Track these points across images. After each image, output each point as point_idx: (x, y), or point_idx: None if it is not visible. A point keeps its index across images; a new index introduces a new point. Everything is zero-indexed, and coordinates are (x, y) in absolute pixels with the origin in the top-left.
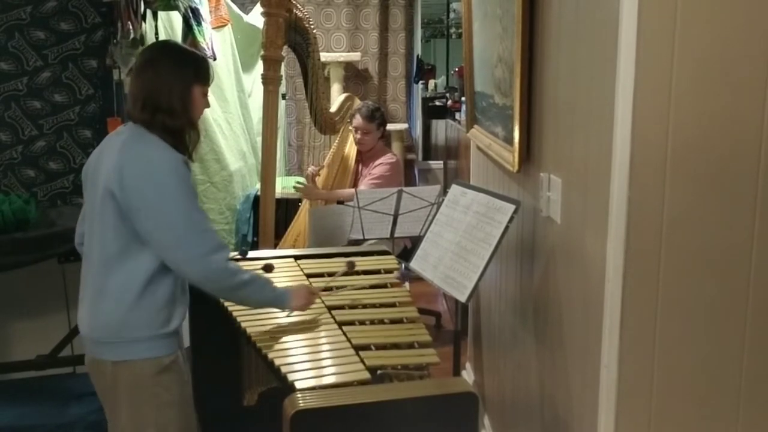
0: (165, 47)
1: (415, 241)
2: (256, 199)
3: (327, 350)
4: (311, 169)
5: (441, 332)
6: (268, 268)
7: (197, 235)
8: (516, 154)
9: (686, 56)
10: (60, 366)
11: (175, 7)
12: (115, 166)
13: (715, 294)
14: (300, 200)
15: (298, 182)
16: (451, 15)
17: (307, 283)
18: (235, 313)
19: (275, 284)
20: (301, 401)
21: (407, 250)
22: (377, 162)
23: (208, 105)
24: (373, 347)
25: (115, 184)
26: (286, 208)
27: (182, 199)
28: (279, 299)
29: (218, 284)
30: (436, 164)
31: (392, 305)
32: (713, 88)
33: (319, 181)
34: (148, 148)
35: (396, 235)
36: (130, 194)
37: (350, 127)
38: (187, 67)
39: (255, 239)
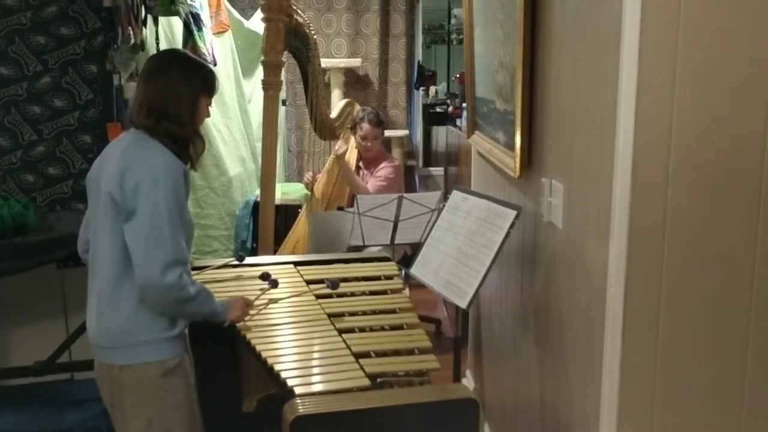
0: (176, 56)
1: (416, 248)
2: (256, 205)
3: (327, 357)
4: (308, 175)
5: (441, 339)
6: (265, 277)
7: (162, 243)
8: (517, 160)
9: (689, 61)
10: (58, 372)
11: (176, 13)
12: (117, 171)
13: (718, 299)
14: (300, 206)
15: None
16: (452, 21)
17: (246, 295)
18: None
19: (215, 297)
20: (300, 407)
21: (407, 257)
22: (381, 165)
23: (208, 114)
24: (373, 354)
25: (116, 188)
26: (286, 215)
27: (164, 208)
28: (218, 312)
29: (168, 297)
30: (437, 171)
31: (392, 312)
32: (716, 92)
33: (319, 187)
34: (149, 153)
35: (396, 241)
36: (128, 198)
37: (357, 135)
38: (196, 77)
39: (254, 245)
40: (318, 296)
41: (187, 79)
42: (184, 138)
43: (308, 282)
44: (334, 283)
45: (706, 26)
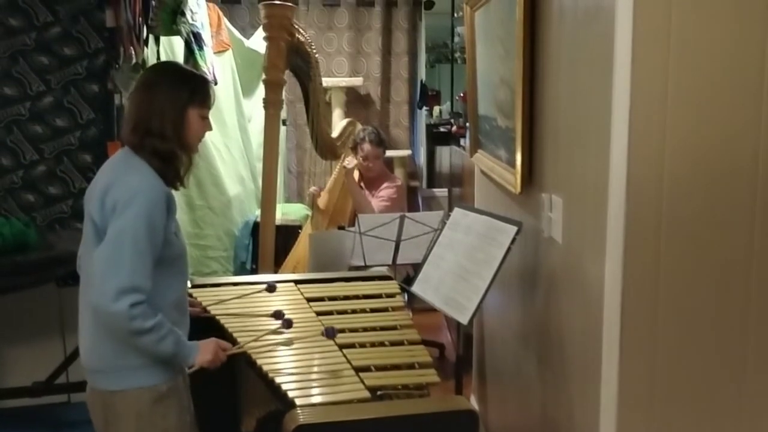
0: (163, 69)
1: (418, 268)
2: (255, 225)
3: (327, 371)
4: (313, 189)
5: (445, 364)
6: (271, 289)
7: (119, 267)
8: (518, 176)
9: (681, 77)
10: (56, 393)
11: (177, 32)
12: (99, 192)
13: (714, 311)
14: (300, 227)
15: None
16: (456, 39)
17: (226, 344)
18: (235, 334)
19: (183, 338)
20: (301, 417)
21: (410, 277)
22: (384, 185)
23: (209, 128)
24: (373, 368)
25: (96, 209)
26: (286, 235)
27: (130, 232)
28: (181, 353)
29: (116, 325)
30: (441, 192)
31: (393, 328)
32: (708, 107)
33: (320, 205)
34: (130, 174)
35: (398, 261)
36: (106, 219)
37: (358, 156)
38: (182, 89)
39: (254, 266)
40: (318, 313)
41: (173, 91)
42: (168, 154)
43: (309, 300)
44: (330, 332)
45: (697, 43)
